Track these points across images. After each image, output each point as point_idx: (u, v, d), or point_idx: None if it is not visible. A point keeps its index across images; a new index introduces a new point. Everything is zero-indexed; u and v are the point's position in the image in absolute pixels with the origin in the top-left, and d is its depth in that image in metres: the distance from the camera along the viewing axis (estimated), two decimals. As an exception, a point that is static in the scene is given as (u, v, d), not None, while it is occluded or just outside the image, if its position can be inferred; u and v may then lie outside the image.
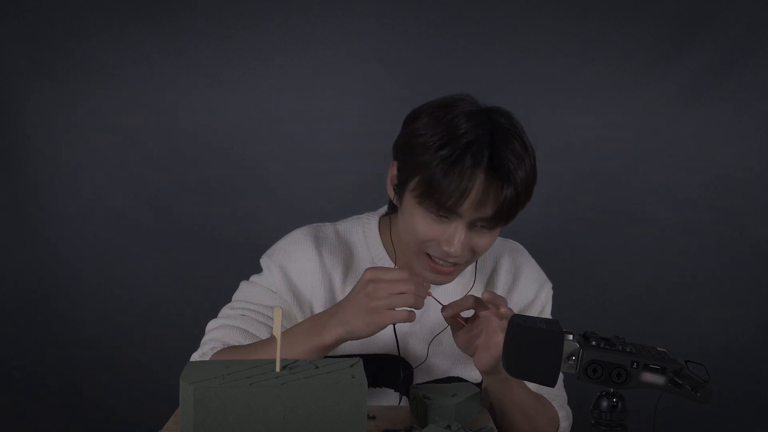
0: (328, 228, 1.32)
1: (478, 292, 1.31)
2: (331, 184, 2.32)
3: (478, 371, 1.32)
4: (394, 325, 1.21)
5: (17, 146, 2.30)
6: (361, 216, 1.34)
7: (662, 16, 2.27)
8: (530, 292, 1.35)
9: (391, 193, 1.22)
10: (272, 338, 1.18)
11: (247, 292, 1.30)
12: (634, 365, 0.88)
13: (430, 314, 1.27)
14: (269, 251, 1.31)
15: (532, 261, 1.39)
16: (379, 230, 1.31)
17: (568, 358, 0.91)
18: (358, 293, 1.06)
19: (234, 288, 1.35)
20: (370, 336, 1.07)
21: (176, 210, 2.33)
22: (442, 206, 1.10)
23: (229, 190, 2.33)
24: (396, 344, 1.23)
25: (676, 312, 2.36)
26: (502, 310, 1.08)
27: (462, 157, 1.07)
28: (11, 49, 2.25)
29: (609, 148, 2.32)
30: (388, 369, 1.25)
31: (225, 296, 1.35)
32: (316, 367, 0.90)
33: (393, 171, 1.20)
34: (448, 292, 1.29)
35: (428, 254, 1.17)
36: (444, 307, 1.12)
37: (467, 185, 1.07)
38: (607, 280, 2.32)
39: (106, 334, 2.34)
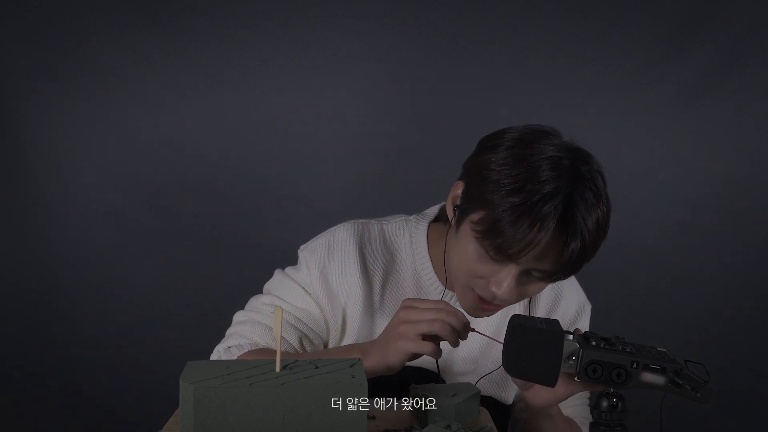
0: (373, 227, 1.25)
1: (518, 310, 1.28)
2: (331, 184, 2.32)
3: (511, 395, 1.31)
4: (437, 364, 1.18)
5: (17, 146, 2.30)
6: (409, 218, 1.28)
7: (662, 16, 2.27)
8: (570, 313, 1.32)
9: (450, 212, 1.14)
10: (302, 353, 1.16)
11: (280, 286, 1.24)
12: (634, 365, 0.88)
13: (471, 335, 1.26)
14: (310, 246, 1.24)
15: (574, 281, 1.34)
16: (427, 238, 1.24)
17: (568, 358, 0.91)
18: (392, 320, 1.03)
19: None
20: (401, 366, 1.02)
21: (176, 210, 2.33)
22: (501, 252, 1.03)
23: (229, 190, 2.33)
24: (435, 361, 1.20)
25: (676, 312, 2.36)
26: None
27: (535, 209, 0.99)
28: (11, 49, 2.25)
29: (609, 148, 2.32)
30: (423, 382, 1.21)
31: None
32: (316, 367, 0.90)
33: (457, 191, 1.13)
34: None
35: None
36: None
37: (534, 239, 1.00)
38: (607, 280, 2.32)
39: (106, 334, 2.34)
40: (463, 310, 1.17)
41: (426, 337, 1.01)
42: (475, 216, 1.06)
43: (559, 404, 1.27)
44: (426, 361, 1.22)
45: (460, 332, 1.02)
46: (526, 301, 1.28)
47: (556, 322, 0.96)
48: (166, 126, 2.31)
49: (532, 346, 0.92)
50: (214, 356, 1.21)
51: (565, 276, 1.08)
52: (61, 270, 2.34)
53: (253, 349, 1.18)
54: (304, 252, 1.23)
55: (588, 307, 1.34)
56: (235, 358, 1.16)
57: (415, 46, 2.28)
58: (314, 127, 2.31)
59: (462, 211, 1.10)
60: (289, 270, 1.25)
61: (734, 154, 2.33)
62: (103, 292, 2.35)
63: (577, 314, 1.33)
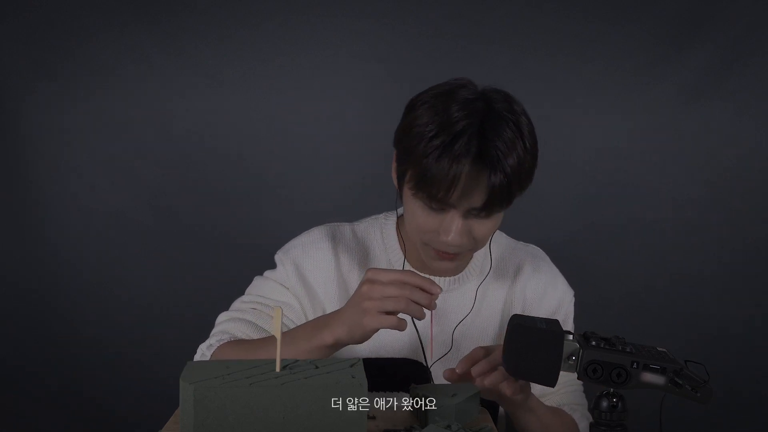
0: (345, 228, 1.30)
1: (500, 299, 1.30)
2: (331, 184, 2.32)
3: None
4: (417, 332, 1.18)
5: (17, 146, 2.30)
6: (379, 216, 1.32)
7: (662, 16, 2.27)
8: (554, 301, 1.33)
9: (396, 184, 1.19)
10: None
11: (259, 286, 1.28)
12: (634, 365, 0.88)
13: (452, 322, 1.25)
14: (285, 247, 1.29)
15: (555, 269, 1.36)
16: (397, 229, 1.28)
17: (568, 358, 0.91)
18: (356, 293, 1.04)
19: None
20: (364, 339, 1.04)
21: (176, 210, 2.33)
22: (434, 198, 1.08)
23: (229, 190, 2.33)
24: (421, 348, 1.22)
25: (676, 312, 2.36)
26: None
27: (449, 147, 1.05)
28: (11, 49, 2.25)
29: (609, 148, 2.33)
30: (410, 374, 1.23)
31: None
32: (316, 367, 0.90)
33: (395, 162, 1.18)
34: (468, 297, 1.27)
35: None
36: (449, 372, 1.06)
37: (453, 175, 1.04)
38: (607, 280, 2.32)
39: (106, 334, 2.34)
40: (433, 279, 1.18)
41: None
42: (408, 175, 1.11)
43: (549, 392, 1.28)
44: (417, 356, 1.23)
45: (427, 304, 1.02)
46: (505, 290, 1.30)
47: (556, 322, 0.96)
48: (166, 126, 2.31)
49: (532, 346, 0.92)
50: (197, 355, 1.23)
51: (500, 208, 1.11)
52: (61, 270, 2.34)
53: (230, 340, 1.20)
54: (280, 254, 1.29)
55: (570, 293, 1.35)
56: (214, 349, 1.18)
57: (415, 46, 2.28)
58: (314, 127, 2.31)
59: (400, 177, 1.15)
60: (267, 273, 1.29)
61: (734, 154, 2.33)
62: (103, 292, 2.35)
63: (559, 303, 1.33)
